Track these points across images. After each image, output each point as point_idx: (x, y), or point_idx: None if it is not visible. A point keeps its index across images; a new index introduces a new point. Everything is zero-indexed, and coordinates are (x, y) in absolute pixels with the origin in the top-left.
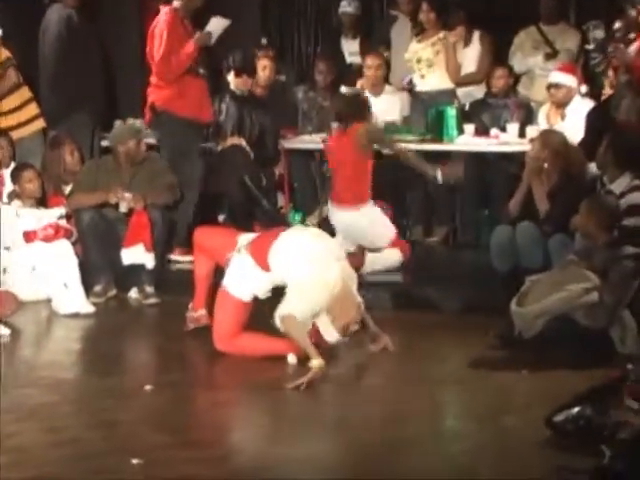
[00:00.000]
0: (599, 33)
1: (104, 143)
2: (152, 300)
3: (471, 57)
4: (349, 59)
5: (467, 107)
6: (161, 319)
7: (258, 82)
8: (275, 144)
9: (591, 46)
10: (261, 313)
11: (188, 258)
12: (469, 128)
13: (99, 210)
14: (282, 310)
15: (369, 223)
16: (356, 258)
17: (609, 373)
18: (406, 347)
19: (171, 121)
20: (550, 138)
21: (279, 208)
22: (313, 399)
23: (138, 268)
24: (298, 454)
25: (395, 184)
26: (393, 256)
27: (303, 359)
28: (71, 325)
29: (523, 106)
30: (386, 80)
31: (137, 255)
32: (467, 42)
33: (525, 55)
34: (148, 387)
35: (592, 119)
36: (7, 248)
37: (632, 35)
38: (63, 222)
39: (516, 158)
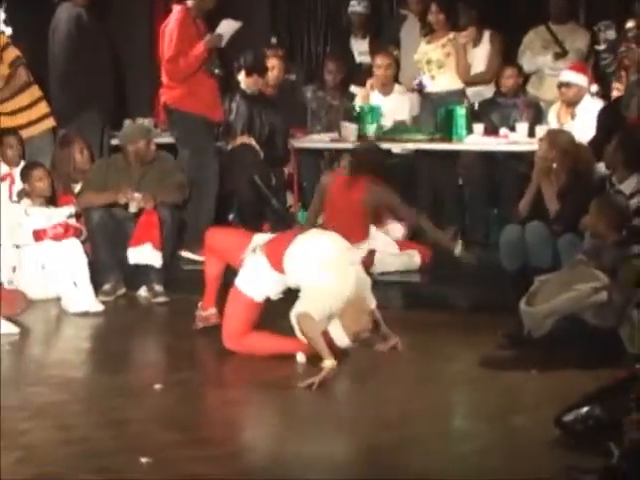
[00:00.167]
0: (611, 34)
1: (114, 142)
2: (161, 299)
3: (481, 57)
4: (359, 58)
5: (476, 107)
6: (170, 318)
7: (267, 82)
8: (285, 143)
9: (602, 47)
10: (270, 312)
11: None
12: (478, 128)
13: (108, 209)
14: (299, 308)
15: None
16: (366, 258)
17: (618, 373)
18: (415, 346)
19: (184, 119)
20: (557, 137)
21: (288, 207)
22: (322, 398)
23: (147, 267)
24: (307, 453)
25: (404, 184)
26: (412, 259)
27: (313, 358)
28: (80, 324)
29: (532, 105)
30: (396, 79)
31: (144, 254)
32: (477, 42)
33: (534, 54)
34: (157, 386)
35: (603, 118)
36: (17, 246)
37: None
38: (73, 221)
39: (525, 157)
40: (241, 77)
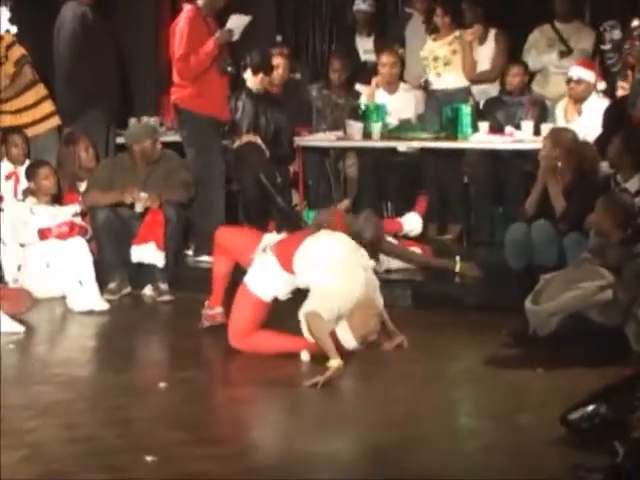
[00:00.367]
0: (616, 33)
1: (119, 140)
2: (166, 297)
3: (486, 55)
4: (364, 57)
5: (482, 105)
6: (175, 316)
7: (273, 80)
8: (290, 142)
9: (607, 46)
10: (276, 311)
11: None
12: (483, 126)
13: (114, 208)
14: (308, 307)
15: None
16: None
17: (624, 371)
18: (420, 345)
19: (192, 119)
20: (561, 136)
21: (294, 206)
22: (328, 396)
23: (152, 265)
24: (313, 451)
25: (409, 182)
26: None
27: (318, 357)
28: (85, 322)
29: (538, 104)
30: (401, 78)
31: (147, 253)
32: (482, 40)
33: (539, 53)
34: (162, 384)
35: (608, 117)
36: (22, 245)
37: None
38: (78, 219)
39: (530, 156)
40: (247, 76)
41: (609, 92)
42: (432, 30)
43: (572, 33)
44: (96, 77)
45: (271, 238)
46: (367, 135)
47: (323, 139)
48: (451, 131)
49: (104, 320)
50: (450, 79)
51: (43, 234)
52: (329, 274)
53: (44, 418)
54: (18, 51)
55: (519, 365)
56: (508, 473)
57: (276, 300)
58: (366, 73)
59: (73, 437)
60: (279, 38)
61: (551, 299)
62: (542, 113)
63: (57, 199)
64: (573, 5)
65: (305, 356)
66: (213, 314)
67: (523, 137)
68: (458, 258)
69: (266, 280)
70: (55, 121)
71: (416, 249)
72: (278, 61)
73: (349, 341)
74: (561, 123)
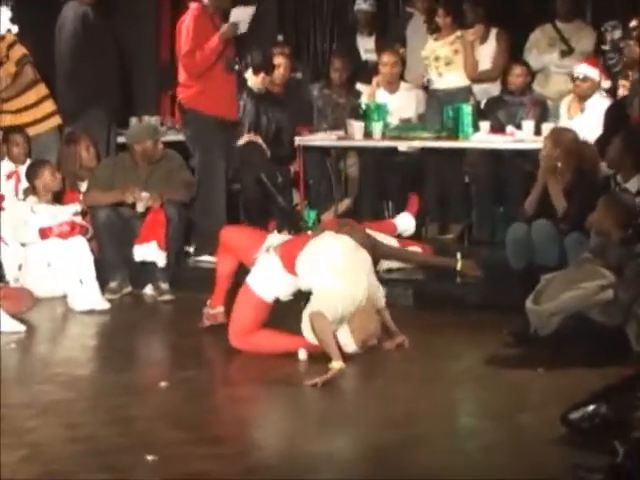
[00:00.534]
0: (617, 34)
1: (120, 139)
2: (167, 297)
3: (487, 54)
4: (364, 56)
5: (483, 104)
6: (176, 316)
7: (274, 80)
8: (291, 141)
9: (608, 47)
10: (277, 311)
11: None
12: (484, 125)
13: (115, 208)
14: (313, 307)
15: None
16: None
17: (625, 370)
18: (421, 344)
19: (197, 119)
20: (561, 136)
21: (294, 205)
22: (328, 396)
23: (153, 265)
24: (313, 451)
25: (410, 182)
26: None
27: (317, 356)
28: (86, 321)
29: (539, 104)
30: (401, 77)
31: (149, 252)
32: (484, 39)
33: (540, 52)
34: (163, 384)
35: (609, 117)
36: (23, 244)
37: None
38: (79, 219)
39: (531, 155)
40: (248, 75)
41: (612, 91)
42: (433, 30)
43: (573, 33)
44: (97, 76)
45: (275, 238)
46: (368, 135)
47: (324, 139)
48: (452, 131)
49: (105, 319)
50: (451, 79)
51: (44, 233)
52: (332, 277)
53: (45, 417)
54: (19, 51)
55: (520, 365)
56: (508, 473)
57: (277, 300)
58: (367, 72)
59: (74, 436)
60: (280, 37)
61: (552, 299)
62: (543, 113)
63: (58, 198)
64: (574, 5)
65: (302, 354)
66: (214, 313)
67: (524, 137)
68: (459, 255)
69: (268, 281)
70: (56, 120)
71: (416, 248)
72: (279, 60)
73: (349, 345)
74: (564, 120)
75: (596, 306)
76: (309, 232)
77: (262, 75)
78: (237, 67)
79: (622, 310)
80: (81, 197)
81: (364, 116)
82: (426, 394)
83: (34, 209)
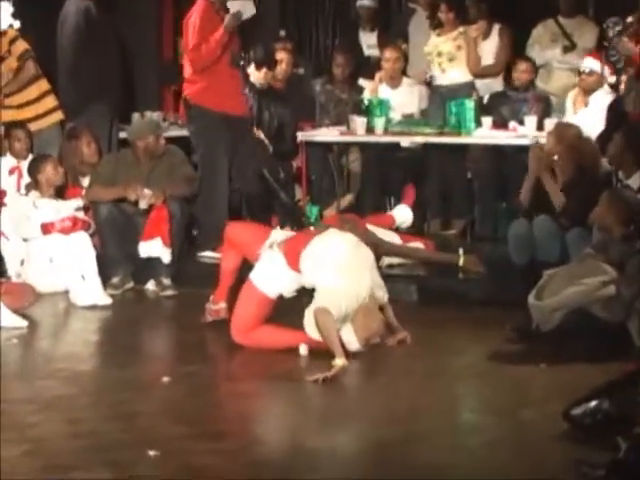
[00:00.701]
0: (619, 30)
1: (122, 134)
2: (169, 292)
3: (489, 50)
4: (367, 52)
5: (485, 100)
6: (178, 311)
7: (276, 75)
8: (293, 137)
9: (608, 43)
10: (279, 307)
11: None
12: (487, 121)
13: (117, 203)
14: (318, 303)
15: None
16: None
17: (627, 366)
18: (423, 340)
19: (202, 115)
20: (564, 132)
21: (297, 201)
22: (331, 392)
23: (155, 260)
24: (316, 446)
25: (412, 178)
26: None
27: (319, 352)
28: (89, 317)
29: (542, 100)
30: (404, 73)
31: (154, 248)
32: (486, 35)
33: (543, 48)
34: (165, 379)
35: (611, 113)
36: (25, 240)
37: None
38: (81, 214)
39: None
40: (250, 71)
41: (616, 87)
42: (436, 25)
43: (575, 28)
44: (99, 72)
45: (279, 234)
46: (370, 130)
47: (326, 134)
48: (454, 126)
49: (107, 315)
50: (454, 75)
51: (46, 229)
52: (336, 274)
53: (47, 413)
54: (21, 45)
55: (522, 360)
56: (511, 468)
57: (280, 296)
58: (369, 68)
59: (76, 432)
60: (282, 33)
61: (554, 295)
62: (546, 109)
63: (60, 193)
64: (577, 0)
65: (303, 350)
66: (217, 309)
67: (526, 132)
68: (461, 251)
69: (272, 277)
70: (58, 116)
71: (418, 244)
72: (281, 56)
73: (352, 343)
74: (570, 113)
75: (598, 302)
76: (312, 228)
77: (264, 70)
78: (242, 63)
79: (624, 306)
80: (83, 192)
81: (366, 112)
82: (428, 390)
83: (36, 204)
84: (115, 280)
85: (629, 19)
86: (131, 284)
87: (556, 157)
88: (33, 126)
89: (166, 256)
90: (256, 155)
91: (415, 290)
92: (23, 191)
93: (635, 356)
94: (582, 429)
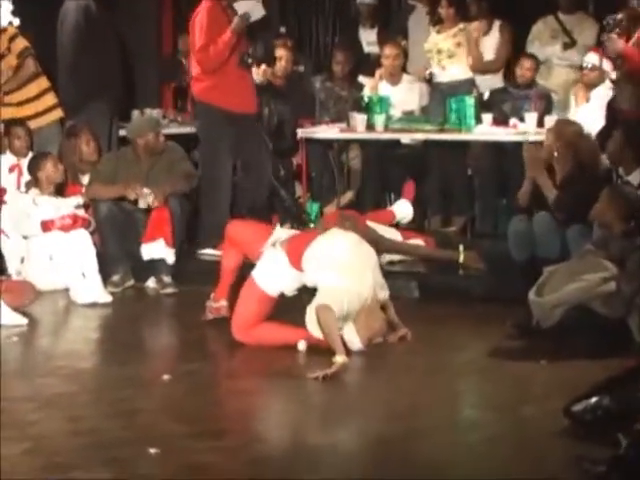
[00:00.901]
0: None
1: (122, 132)
2: (169, 290)
3: (490, 46)
4: (367, 49)
5: (486, 96)
6: (178, 309)
7: (276, 72)
8: (293, 134)
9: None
10: (280, 305)
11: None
12: (487, 117)
13: (117, 201)
14: (319, 300)
15: None
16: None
17: (627, 362)
18: (424, 337)
19: (208, 112)
20: (564, 128)
21: (297, 198)
22: (332, 388)
23: (156, 258)
24: (316, 443)
25: (412, 174)
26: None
27: (319, 349)
28: (89, 315)
29: (544, 97)
30: (404, 69)
31: (156, 250)
32: (487, 31)
33: (543, 44)
34: (166, 377)
35: (610, 110)
36: (25, 237)
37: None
38: (81, 211)
39: None
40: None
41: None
42: (436, 22)
43: (575, 25)
44: (99, 69)
45: (281, 233)
46: (370, 127)
47: (326, 131)
48: (454, 123)
49: (107, 312)
50: (454, 71)
51: (46, 226)
52: (338, 274)
53: (47, 410)
54: (21, 43)
55: (523, 357)
56: (511, 465)
57: (281, 295)
58: (369, 65)
59: (77, 429)
60: (282, 30)
61: (554, 291)
62: (548, 106)
63: (60, 191)
64: None
65: (302, 346)
66: (217, 307)
67: (527, 129)
68: (462, 248)
69: (274, 275)
70: (58, 113)
71: (419, 241)
72: (281, 53)
73: (355, 343)
74: (573, 109)
75: (598, 298)
76: (313, 226)
77: (264, 67)
78: (250, 61)
79: (624, 302)
80: (83, 190)
81: (366, 109)
82: (429, 386)
83: (36, 201)
84: (115, 278)
85: (619, 15)
86: (131, 282)
87: (555, 154)
88: (33, 124)
89: (170, 256)
90: (262, 156)
91: (416, 287)
92: (23, 189)
93: (635, 352)
94: (583, 425)
